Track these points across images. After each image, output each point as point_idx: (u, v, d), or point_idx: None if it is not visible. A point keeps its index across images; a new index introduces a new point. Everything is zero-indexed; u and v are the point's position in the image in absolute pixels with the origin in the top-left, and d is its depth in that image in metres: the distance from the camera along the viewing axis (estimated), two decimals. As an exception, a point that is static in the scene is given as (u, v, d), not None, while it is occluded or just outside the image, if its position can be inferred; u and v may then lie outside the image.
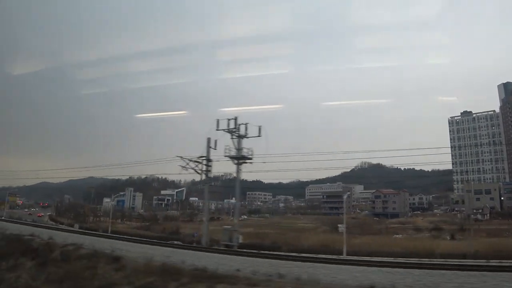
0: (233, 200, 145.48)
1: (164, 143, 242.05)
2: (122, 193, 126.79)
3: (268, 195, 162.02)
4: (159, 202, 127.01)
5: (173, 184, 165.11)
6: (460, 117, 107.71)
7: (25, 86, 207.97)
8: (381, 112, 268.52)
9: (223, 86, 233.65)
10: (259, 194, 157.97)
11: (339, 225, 57.02)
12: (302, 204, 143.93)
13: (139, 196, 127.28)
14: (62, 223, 74.89)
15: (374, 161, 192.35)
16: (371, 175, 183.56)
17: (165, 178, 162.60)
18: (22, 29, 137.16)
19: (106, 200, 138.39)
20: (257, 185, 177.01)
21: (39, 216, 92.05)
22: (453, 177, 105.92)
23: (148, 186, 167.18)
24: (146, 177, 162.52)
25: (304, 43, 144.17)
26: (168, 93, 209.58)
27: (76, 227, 53.05)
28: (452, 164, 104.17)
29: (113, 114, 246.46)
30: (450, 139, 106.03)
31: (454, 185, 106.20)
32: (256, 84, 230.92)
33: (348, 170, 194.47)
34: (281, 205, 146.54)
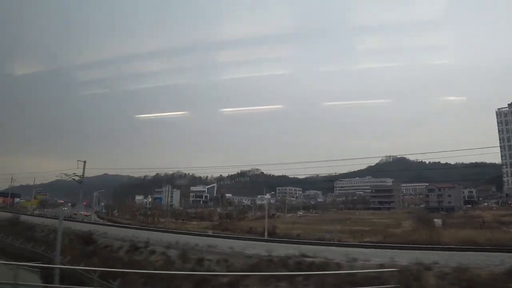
0: (267, 196, 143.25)
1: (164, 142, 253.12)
2: (157, 189, 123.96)
3: (299, 190, 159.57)
4: (197, 198, 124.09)
5: (199, 180, 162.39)
6: (507, 108, 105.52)
7: (26, 86, 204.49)
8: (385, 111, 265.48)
9: (223, 86, 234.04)
10: (289, 189, 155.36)
11: (435, 220, 54.82)
12: (339, 199, 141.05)
13: (177, 193, 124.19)
14: (119, 223, 71.56)
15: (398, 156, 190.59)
16: (396, 169, 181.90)
17: (193, 174, 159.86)
18: (22, 29, 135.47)
19: (138, 197, 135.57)
20: (284, 180, 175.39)
21: (86, 215, 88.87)
22: (503, 169, 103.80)
23: (174, 182, 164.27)
24: (173, 174, 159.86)
25: (304, 44, 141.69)
26: (168, 93, 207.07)
27: (209, 232, 48.28)
28: (502, 156, 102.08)
29: (122, 113, 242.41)
30: (499, 130, 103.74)
31: (504, 179, 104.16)
32: (255, 85, 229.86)
33: (373, 164, 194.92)
34: (319, 200, 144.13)
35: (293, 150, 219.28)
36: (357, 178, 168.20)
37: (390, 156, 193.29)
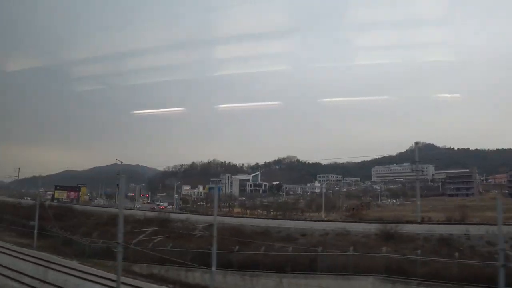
0: (317, 184, 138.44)
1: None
2: (213, 179, 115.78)
3: (339, 178, 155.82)
4: (256, 188, 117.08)
5: (235, 168, 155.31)
6: None
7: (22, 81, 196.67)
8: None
9: (220, 83, 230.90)
10: (332, 176, 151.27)
11: None
12: (393, 186, 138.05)
13: (236, 182, 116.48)
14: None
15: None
16: (425, 155, 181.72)
17: (229, 162, 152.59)
18: (16, 25, 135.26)
19: (186, 187, 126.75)
20: (317, 168, 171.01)
21: (162, 208, 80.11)
22: None
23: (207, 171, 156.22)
24: (210, 162, 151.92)
25: (301, 40, 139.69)
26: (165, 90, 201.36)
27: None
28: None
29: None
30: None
31: None
32: (253, 81, 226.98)
33: (403, 150, 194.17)
34: (376, 188, 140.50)
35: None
36: (394, 164, 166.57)
37: (419, 142, 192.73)
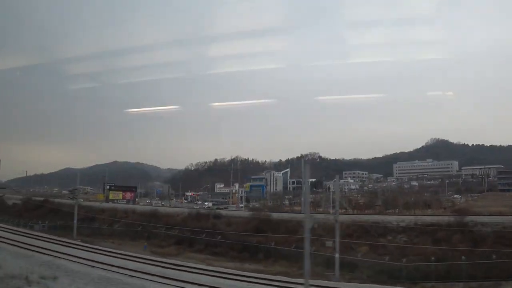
0: (351, 180, 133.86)
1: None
2: (254, 176, 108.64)
3: (364, 174, 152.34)
4: (297, 185, 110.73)
5: (258, 165, 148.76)
6: None
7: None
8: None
9: (214, 81, 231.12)
10: (358, 173, 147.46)
11: None
12: (428, 182, 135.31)
13: (279, 179, 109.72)
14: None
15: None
16: (440, 151, 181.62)
17: (252, 159, 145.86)
18: (8, 22, 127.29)
19: (219, 186, 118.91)
20: (338, 164, 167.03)
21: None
22: None
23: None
24: (233, 159, 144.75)
25: (298, 38, 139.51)
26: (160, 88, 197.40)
27: None
28: None
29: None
30: None
31: None
32: (248, 79, 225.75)
33: (419, 146, 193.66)
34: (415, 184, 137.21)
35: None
36: (417, 161, 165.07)
37: (434, 138, 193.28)
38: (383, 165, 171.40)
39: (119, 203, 69.79)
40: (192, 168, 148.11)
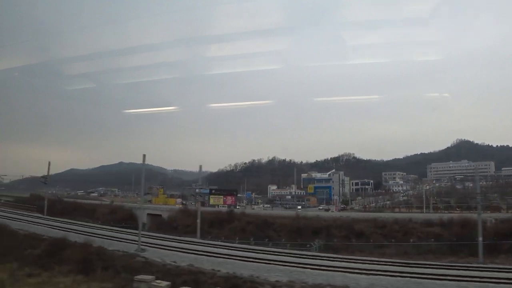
0: (400, 181, 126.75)
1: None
2: (318, 177, 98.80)
3: (404, 174, 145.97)
4: (363, 186, 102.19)
5: (296, 166, 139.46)
6: None
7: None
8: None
9: (212, 81, 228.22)
10: (399, 173, 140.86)
11: None
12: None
13: (347, 180, 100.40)
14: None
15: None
16: (465, 152, 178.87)
17: (290, 160, 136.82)
18: (6, 22, 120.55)
19: (272, 187, 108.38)
20: (372, 165, 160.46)
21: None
22: None
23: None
24: (270, 160, 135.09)
25: (295, 39, 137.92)
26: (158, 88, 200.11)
27: None
28: None
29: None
30: None
31: None
32: (246, 80, 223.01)
33: (444, 148, 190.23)
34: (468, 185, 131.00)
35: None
36: (451, 162, 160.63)
37: (459, 139, 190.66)
38: (412, 165, 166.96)
39: (221, 207, 58.88)
40: (230, 169, 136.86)
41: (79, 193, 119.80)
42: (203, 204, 65.22)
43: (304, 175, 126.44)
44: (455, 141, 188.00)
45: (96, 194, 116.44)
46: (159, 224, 48.10)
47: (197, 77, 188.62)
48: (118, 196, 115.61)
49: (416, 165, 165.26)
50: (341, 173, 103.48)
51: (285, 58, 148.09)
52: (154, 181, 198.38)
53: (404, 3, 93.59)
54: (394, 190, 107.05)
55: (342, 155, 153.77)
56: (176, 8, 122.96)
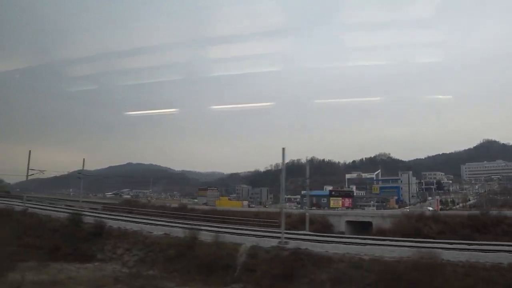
0: (448, 181, 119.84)
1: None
2: (386, 178, 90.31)
3: (441, 174, 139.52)
4: (428, 186, 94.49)
5: (333, 166, 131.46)
6: None
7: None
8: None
9: (213, 83, 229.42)
10: (440, 173, 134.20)
11: None
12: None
13: (413, 181, 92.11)
14: None
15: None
16: (492, 152, 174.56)
17: (323, 159, 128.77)
18: (7, 24, 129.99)
19: (328, 188, 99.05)
20: (404, 164, 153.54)
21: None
22: None
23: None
24: (308, 160, 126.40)
25: (295, 41, 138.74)
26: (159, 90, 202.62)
27: None
28: None
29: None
30: None
31: None
32: (246, 82, 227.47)
33: (472, 147, 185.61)
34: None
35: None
36: (485, 162, 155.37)
37: (485, 139, 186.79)
38: (442, 165, 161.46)
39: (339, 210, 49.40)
40: (270, 168, 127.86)
41: (107, 195, 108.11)
42: (318, 206, 56.25)
43: (348, 175, 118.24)
44: (481, 141, 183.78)
45: (129, 196, 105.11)
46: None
47: (198, 79, 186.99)
48: (153, 197, 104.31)
49: (441, 165, 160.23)
50: (410, 173, 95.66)
51: (287, 59, 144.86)
52: (161, 182, 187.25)
53: (407, 5, 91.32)
54: (451, 190, 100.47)
55: (378, 155, 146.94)
56: (178, 10, 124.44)
